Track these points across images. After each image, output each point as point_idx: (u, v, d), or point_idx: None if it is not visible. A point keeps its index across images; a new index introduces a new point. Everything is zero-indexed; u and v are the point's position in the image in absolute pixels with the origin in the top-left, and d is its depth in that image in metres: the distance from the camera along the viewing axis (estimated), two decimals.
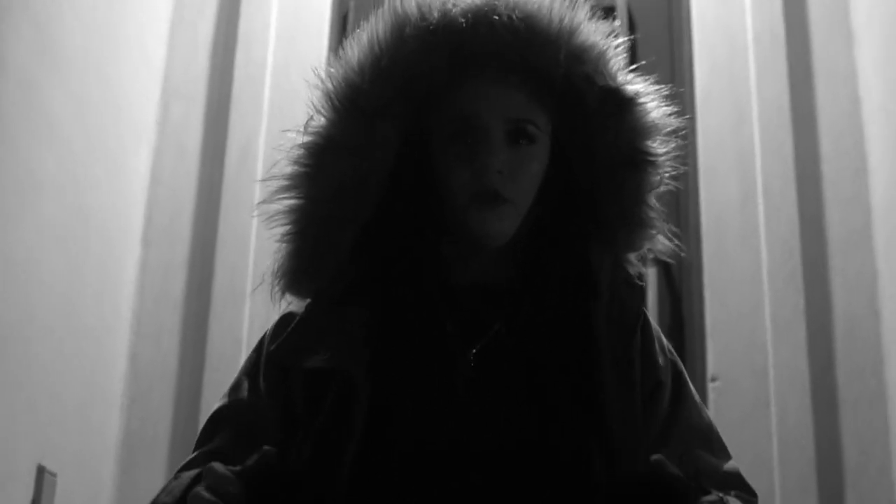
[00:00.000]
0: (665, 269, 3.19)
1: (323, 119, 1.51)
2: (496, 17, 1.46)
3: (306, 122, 1.52)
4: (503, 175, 1.45)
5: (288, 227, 1.53)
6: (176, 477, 1.45)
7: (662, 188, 1.54)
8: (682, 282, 3.30)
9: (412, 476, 1.36)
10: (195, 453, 1.55)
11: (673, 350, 1.58)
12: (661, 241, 1.55)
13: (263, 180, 1.55)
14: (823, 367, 3.06)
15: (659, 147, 1.52)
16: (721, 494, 1.42)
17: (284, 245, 1.53)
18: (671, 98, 1.54)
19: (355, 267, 1.50)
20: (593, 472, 1.36)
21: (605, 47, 1.50)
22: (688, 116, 1.59)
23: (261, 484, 1.38)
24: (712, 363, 3.11)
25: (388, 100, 1.48)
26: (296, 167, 1.51)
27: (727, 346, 3.12)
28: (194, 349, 3.18)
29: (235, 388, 1.58)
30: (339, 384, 1.41)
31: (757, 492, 1.53)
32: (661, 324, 1.67)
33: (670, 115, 1.53)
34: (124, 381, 3.08)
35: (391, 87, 1.48)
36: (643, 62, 1.57)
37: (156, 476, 3.03)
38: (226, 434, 1.54)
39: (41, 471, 2.47)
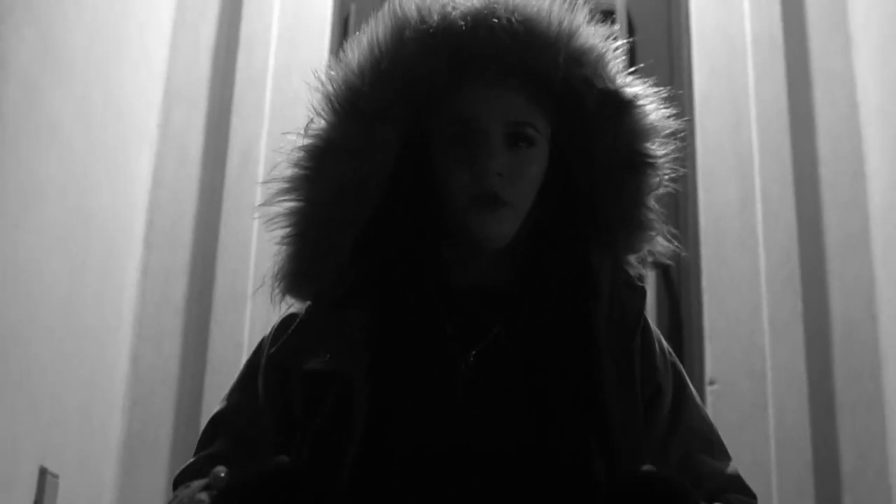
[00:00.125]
0: (664, 272, 3.20)
1: (323, 122, 1.52)
2: (495, 20, 1.46)
3: (306, 125, 1.53)
4: (503, 178, 1.45)
5: (288, 230, 1.53)
6: (187, 486, 1.46)
7: (662, 190, 1.54)
8: (680, 284, 3.31)
9: (412, 478, 1.37)
10: (195, 457, 1.57)
11: (673, 353, 1.59)
12: (661, 243, 1.55)
13: (264, 183, 1.55)
14: (821, 370, 3.06)
15: (658, 149, 1.52)
16: None
17: (284, 247, 1.53)
18: (670, 100, 1.54)
19: (355, 269, 1.50)
20: (593, 473, 1.36)
21: (604, 50, 1.51)
22: (686, 119, 1.59)
23: (260, 485, 1.39)
24: (710, 366, 3.10)
25: (388, 102, 1.49)
26: (296, 170, 1.52)
27: (725, 349, 3.11)
28: (195, 352, 3.18)
29: (235, 391, 1.59)
30: (339, 386, 1.42)
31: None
32: (659, 326, 1.67)
33: (669, 117, 1.53)
34: (126, 383, 3.08)
35: (391, 89, 1.48)
36: (642, 65, 1.58)
37: (157, 478, 3.03)
38: (225, 438, 1.55)
39: (43, 472, 2.46)
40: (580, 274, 1.49)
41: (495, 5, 1.48)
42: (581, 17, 1.51)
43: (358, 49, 1.51)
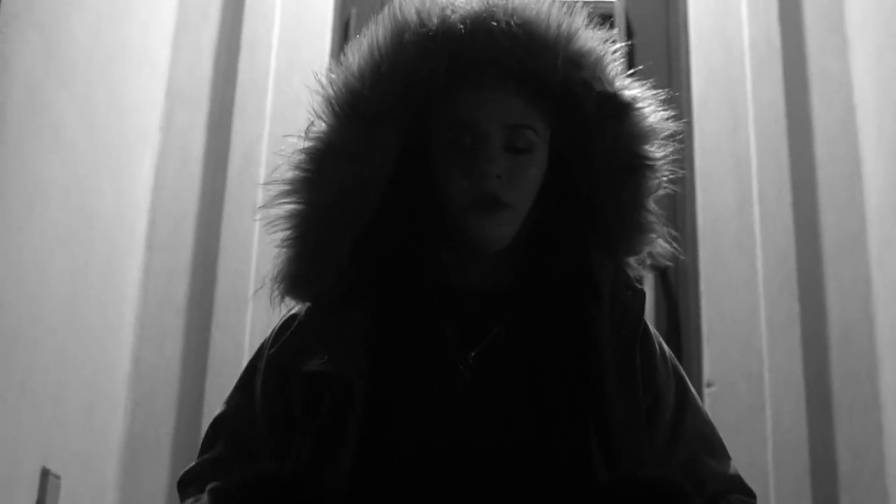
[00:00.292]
0: (662, 275, 3.20)
1: (324, 124, 1.51)
2: (494, 24, 1.46)
3: (307, 128, 1.53)
4: (502, 180, 1.45)
5: (288, 232, 1.52)
6: (196, 499, 1.47)
7: (661, 192, 1.55)
8: (678, 287, 3.30)
9: (412, 479, 1.37)
10: (196, 461, 1.58)
11: (674, 356, 1.59)
12: (661, 245, 1.55)
13: (265, 184, 1.55)
14: (818, 371, 3.06)
15: (656, 151, 1.52)
16: None
17: (285, 249, 1.53)
18: (668, 103, 1.55)
19: (355, 271, 1.50)
20: (592, 474, 1.37)
21: (602, 53, 1.51)
22: (684, 121, 1.60)
23: (260, 487, 1.40)
24: (708, 368, 3.11)
25: (388, 105, 1.49)
26: (296, 172, 1.52)
27: (723, 351, 3.12)
28: (197, 353, 3.18)
29: (235, 393, 1.60)
30: (338, 388, 1.42)
31: None
32: (657, 328, 1.67)
33: (667, 119, 1.53)
34: (128, 384, 3.08)
35: (391, 92, 1.48)
36: (640, 67, 1.58)
37: (159, 478, 3.04)
38: (226, 441, 1.56)
39: (45, 473, 2.46)
40: (579, 276, 1.49)
41: (494, 9, 1.48)
42: (580, 20, 1.51)
43: (358, 52, 1.51)
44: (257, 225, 3.11)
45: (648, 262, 1.57)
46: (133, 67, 3.02)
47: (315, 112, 1.53)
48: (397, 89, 1.49)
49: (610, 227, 1.52)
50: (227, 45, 3.46)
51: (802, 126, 3.26)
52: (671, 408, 1.54)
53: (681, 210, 3.30)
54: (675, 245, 1.57)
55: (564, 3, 1.52)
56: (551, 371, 1.43)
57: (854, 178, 3.15)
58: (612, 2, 3.55)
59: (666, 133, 1.53)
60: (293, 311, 1.58)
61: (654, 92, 1.54)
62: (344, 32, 3.59)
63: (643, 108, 1.52)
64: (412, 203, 1.52)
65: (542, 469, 1.37)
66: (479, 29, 1.47)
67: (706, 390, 3.06)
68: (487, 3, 1.49)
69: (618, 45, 1.54)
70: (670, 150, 1.53)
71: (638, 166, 1.52)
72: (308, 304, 1.56)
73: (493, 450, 1.38)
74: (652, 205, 1.54)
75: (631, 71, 1.55)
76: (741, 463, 1.60)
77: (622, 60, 1.54)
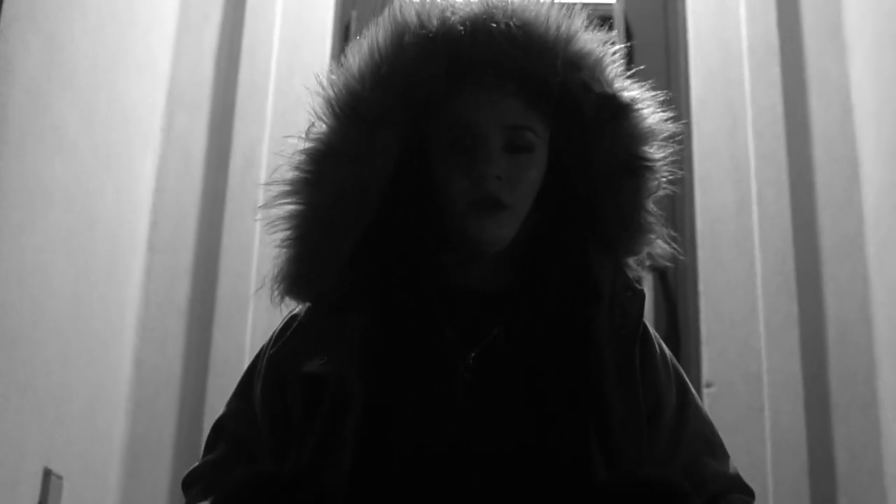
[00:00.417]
0: (661, 275, 3.20)
1: (324, 126, 1.52)
2: (494, 25, 1.46)
3: (307, 129, 1.53)
4: (502, 182, 1.46)
5: (289, 233, 1.53)
6: None
7: (660, 193, 1.55)
8: (677, 288, 3.30)
9: (412, 479, 1.37)
10: (199, 462, 1.59)
11: (674, 357, 1.59)
12: (660, 246, 1.56)
13: (265, 185, 1.55)
14: (816, 372, 3.06)
15: (655, 152, 1.52)
16: None
17: (285, 250, 1.53)
18: (667, 104, 1.55)
19: (355, 273, 1.50)
20: (592, 474, 1.37)
21: (601, 54, 1.51)
22: (683, 122, 1.59)
23: (260, 488, 1.40)
24: (707, 369, 3.11)
25: (388, 107, 1.49)
26: (297, 173, 1.52)
27: (721, 352, 3.12)
28: (198, 354, 3.18)
29: (236, 395, 1.60)
30: (337, 389, 1.42)
31: None
32: (656, 329, 1.68)
33: (666, 121, 1.54)
34: (130, 385, 3.08)
35: (391, 94, 1.49)
36: (639, 68, 1.57)
37: (160, 479, 3.05)
38: (226, 443, 1.57)
39: (47, 474, 2.46)
40: (579, 276, 1.49)
41: (494, 10, 1.48)
42: (579, 21, 1.51)
43: (358, 54, 1.51)
44: (258, 226, 3.10)
45: (648, 262, 1.57)
46: (134, 69, 3.02)
47: (315, 113, 1.53)
48: (397, 91, 1.49)
49: (609, 228, 1.53)
50: (228, 48, 3.46)
51: (801, 127, 3.26)
52: (672, 409, 1.54)
53: (680, 211, 3.30)
54: (674, 246, 1.57)
55: (564, 4, 1.52)
56: (551, 371, 1.43)
57: (852, 180, 3.15)
58: (611, 3, 3.55)
59: (665, 134, 1.54)
60: (294, 312, 1.58)
61: (653, 93, 1.55)
62: (344, 34, 3.59)
63: (642, 109, 1.52)
64: (412, 204, 1.52)
65: (542, 469, 1.37)
66: (479, 31, 1.47)
67: (705, 391, 3.06)
68: (487, 4, 1.49)
69: (617, 47, 1.54)
70: (669, 151, 1.54)
71: (637, 167, 1.52)
72: (308, 304, 1.56)
73: (493, 450, 1.39)
74: (651, 206, 1.54)
75: (630, 72, 1.55)
76: (740, 463, 1.61)
77: (621, 62, 1.54)
